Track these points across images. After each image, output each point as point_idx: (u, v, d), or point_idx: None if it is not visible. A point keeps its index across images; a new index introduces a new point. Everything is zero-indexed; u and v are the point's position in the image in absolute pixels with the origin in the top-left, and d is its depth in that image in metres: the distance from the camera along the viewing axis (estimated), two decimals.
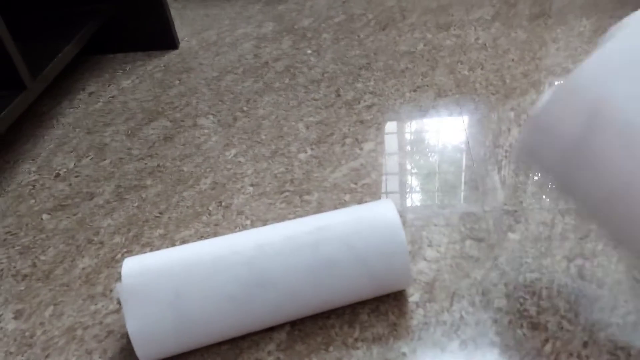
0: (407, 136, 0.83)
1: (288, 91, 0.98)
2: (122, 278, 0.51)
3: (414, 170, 0.77)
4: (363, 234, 0.54)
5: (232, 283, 0.51)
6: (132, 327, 0.50)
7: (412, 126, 0.85)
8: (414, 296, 0.59)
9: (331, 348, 0.55)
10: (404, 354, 0.54)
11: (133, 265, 0.53)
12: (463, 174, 0.75)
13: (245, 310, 0.52)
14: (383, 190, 0.75)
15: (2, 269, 0.70)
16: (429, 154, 0.79)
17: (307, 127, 0.88)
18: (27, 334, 0.61)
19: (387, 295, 0.60)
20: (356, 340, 0.56)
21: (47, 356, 0.58)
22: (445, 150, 0.79)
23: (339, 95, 0.94)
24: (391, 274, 0.55)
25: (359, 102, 0.92)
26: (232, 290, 0.51)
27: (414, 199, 0.72)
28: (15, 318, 0.63)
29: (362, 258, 0.53)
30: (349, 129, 0.86)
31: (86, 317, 0.62)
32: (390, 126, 0.85)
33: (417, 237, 0.66)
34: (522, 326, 0.55)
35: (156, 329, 0.51)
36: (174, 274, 0.51)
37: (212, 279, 0.51)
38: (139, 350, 0.51)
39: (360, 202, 0.72)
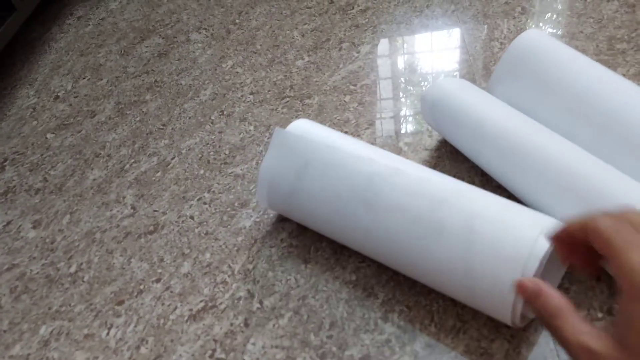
0: (403, 37, 0.83)
1: (280, 1, 0.96)
2: (289, 127, 0.55)
3: (412, 69, 0.77)
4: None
5: (347, 185, 0.50)
6: (265, 170, 0.54)
7: (407, 26, 0.84)
8: None
9: None
10: None
11: (301, 125, 0.56)
12: (460, 68, 0.75)
13: (344, 215, 0.50)
14: (380, 89, 0.75)
15: (14, 186, 0.72)
16: (426, 51, 0.79)
17: (303, 35, 0.87)
18: (47, 240, 0.64)
19: None
20: None
21: (69, 258, 0.61)
22: (441, 46, 0.80)
23: (332, 2, 0.93)
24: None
25: (353, 7, 0.91)
26: (343, 191, 0.50)
27: (412, 96, 0.73)
28: (34, 227, 0.66)
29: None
30: (344, 34, 0.86)
31: (103, 222, 0.64)
32: (386, 28, 0.85)
33: (419, 129, 0.68)
34: None
35: (281, 181, 0.53)
36: (315, 148, 0.52)
37: (337, 173, 0.51)
38: (262, 193, 0.55)
39: (360, 102, 0.73)
